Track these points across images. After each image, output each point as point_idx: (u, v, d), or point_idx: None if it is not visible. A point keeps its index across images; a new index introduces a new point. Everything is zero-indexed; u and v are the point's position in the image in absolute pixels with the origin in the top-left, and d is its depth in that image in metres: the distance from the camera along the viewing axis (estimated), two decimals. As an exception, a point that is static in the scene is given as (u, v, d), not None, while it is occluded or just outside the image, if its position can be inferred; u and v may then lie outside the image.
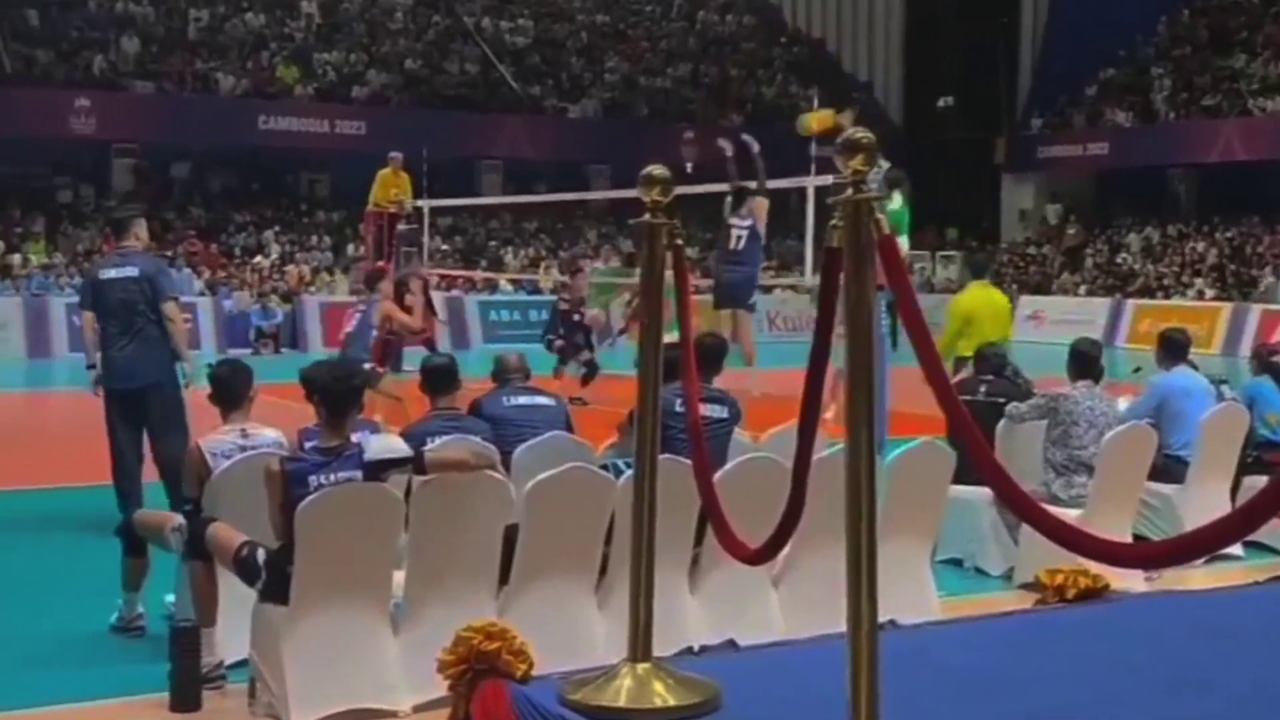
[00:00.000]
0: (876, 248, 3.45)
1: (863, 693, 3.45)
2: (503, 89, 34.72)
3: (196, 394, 7.60)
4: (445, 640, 4.90)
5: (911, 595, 6.49)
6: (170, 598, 6.41)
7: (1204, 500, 8.20)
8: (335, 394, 5.62)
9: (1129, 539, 7.40)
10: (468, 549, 5.65)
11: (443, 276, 26.54)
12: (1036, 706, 4.68)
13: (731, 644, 6.14)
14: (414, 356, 12.60)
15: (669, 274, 4.62)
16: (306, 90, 32.34)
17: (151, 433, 7.88)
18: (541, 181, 33.61)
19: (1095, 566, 5.93)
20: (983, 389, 8.40)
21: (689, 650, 5.97)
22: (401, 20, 36.14)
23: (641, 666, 4.54)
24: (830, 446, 5.57)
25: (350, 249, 29.21)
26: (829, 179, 12.87)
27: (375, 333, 13.41)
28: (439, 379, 7.05)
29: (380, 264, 17.49)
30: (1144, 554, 4.15)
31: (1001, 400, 8.23)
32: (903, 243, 11.65)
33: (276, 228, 31.35)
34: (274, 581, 5.40)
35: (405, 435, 6.29)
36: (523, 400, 7.34)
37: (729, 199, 15.32)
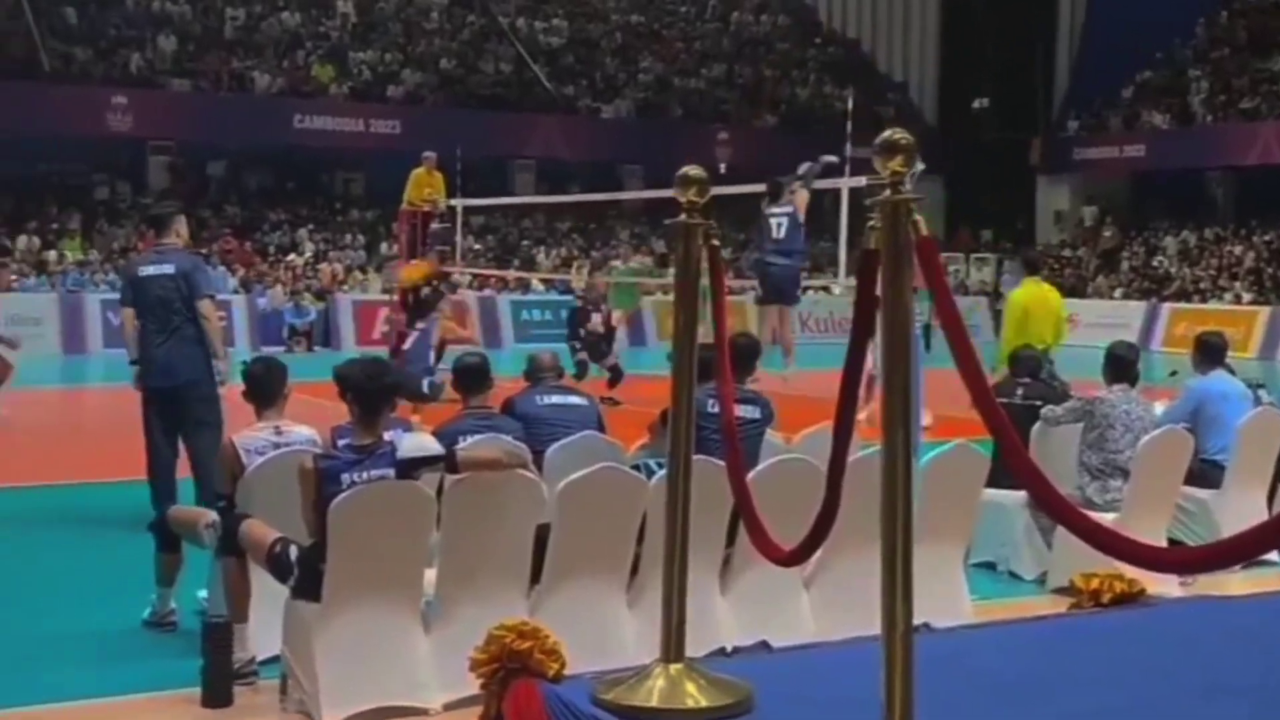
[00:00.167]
0: (914, 249, 3.43)
1: (897, 695, 3.43)
2: (537, 89, 34.74)
3: (231, 391, 7.63)
4: (476, 639, 4.90)
5: (945, 598, 6.47)
6: (203, 593, 6.45)
7: (1240, 505, 8.15)
8: (368, 392, 5.63)
9: (1164, 544, 7.34)
10: (499, 548, 5.66)
11: (475, 276, 26.60)
12: (1071, 711, 4.64)
13: (764, 645, 6.13)
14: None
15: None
16: (341, 89, 32.44)
17: (186, 430, 7.91)
18: (575, 181, 33.63)
19: (1131, 571, 5.89)
20: (1019, 392, 8.37)
21: (721, 651, 5.96)
22: (436, 20, 36.21)
23: (674, 667, 4.53)
24: (864, 448, 5.55)
25: (384, 248, 29.27)
26: (863, 180, 12.77)
27: (433, 351, 14.07)
28: (472, 378, 7.04)
29: (414, 262, 17.55)
30: (1181, 559, 4.12)
31: (1038, 403, 8.18)
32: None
33: (311, 226, 31.46)
34: (306, 578, 5.42)
35: (438, 434, 6.29)
36: (555, 399, 7.34)
37: (766, 198, 15.12)
